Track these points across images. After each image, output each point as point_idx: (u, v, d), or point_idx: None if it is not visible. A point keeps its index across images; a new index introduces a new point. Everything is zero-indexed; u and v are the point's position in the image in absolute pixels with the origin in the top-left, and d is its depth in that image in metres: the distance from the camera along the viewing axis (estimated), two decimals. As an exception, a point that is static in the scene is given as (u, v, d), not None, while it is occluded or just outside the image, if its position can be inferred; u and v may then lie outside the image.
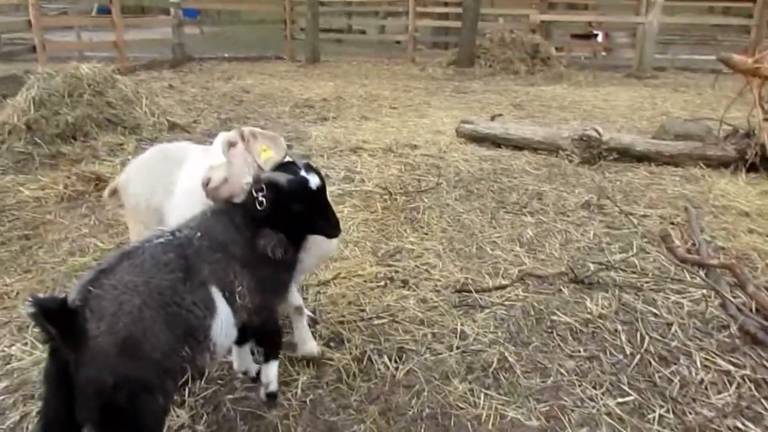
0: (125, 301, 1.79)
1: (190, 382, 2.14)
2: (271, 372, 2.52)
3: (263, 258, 2.24)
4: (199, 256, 2.08)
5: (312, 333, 2.99)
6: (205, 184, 2.32)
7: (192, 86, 10.05)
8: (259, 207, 2.19)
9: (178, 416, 2.46)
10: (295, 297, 2.70)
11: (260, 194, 2.20)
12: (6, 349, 2.83)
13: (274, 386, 2.53)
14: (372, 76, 12.15)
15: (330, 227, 2.37)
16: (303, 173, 2.24)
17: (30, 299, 1.62)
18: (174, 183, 2.69)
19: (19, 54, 10.54)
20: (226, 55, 14.96)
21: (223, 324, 2.08)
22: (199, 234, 2.15)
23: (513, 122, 7.30)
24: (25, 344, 2.86)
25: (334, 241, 2.72)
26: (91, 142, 5.93)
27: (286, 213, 2.23)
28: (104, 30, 13.51)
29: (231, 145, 2.38)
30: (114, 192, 2.91)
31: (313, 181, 2.23)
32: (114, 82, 6.54)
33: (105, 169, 5.20)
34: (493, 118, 7.39)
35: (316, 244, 2.51)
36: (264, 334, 2.47)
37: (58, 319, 1.66)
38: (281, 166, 2.31)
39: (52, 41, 11.19)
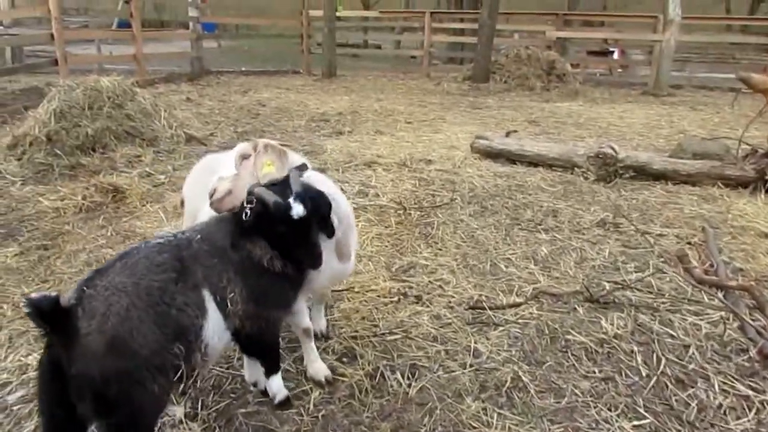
0: (114, 302, 1.88)
1: (183, 380, 2.17)
2: (274, 385, 2.55)
3: (260, 267, 2.27)
4: (196, 259, 2.16)
5: (325, 348, 3.00)
6: (210, 195, 2.36)
7: (209, 99, 10.19)
8: (244, 217, 2.24)
9: (190, 429, 2.47)
10: (304, 319, 2.68)
11: (248, 206, 2.24)
12: (22, 358, 2.86)
13: (281, 396, 2.56)
14: (387, 91, 12.23)
15: (307, 258, 2.34)
16: (290, 200, 2.24)
17: (25, 299, 1.74)
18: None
19: (41, 66, 10.72)
20: (243, 68, 15.19)
21: (215, 327, 2.15)
22: (199, 237, 2.24)
23: (528, 138, 7.30)
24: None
25: (350, 263, 2.70)
26: (110, 154, 6.03)
27: (270, 231, 2.26)
28: (124, 43, 13.78)
29: (244, 157, 2.41)
30: (183, 202, 3.11)
31: (296, 210, 2.22)
32: (133, 95, 6.65)
33: (123, 181, 5.27)
34: (508, 134, 7.39)
35: (327, 264, 2.49)
36: (260, 345, 2.45)
37: (50, 317, 1.76)
38: (278, 184, 2.32)
39: (74, 54, 11.41)
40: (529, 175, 5.95)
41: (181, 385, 2.56)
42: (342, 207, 2.59)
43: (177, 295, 2.02)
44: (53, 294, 1.78)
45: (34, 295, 1.75)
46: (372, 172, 5.85)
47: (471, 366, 2.88)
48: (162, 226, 4.47)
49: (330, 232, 2.40)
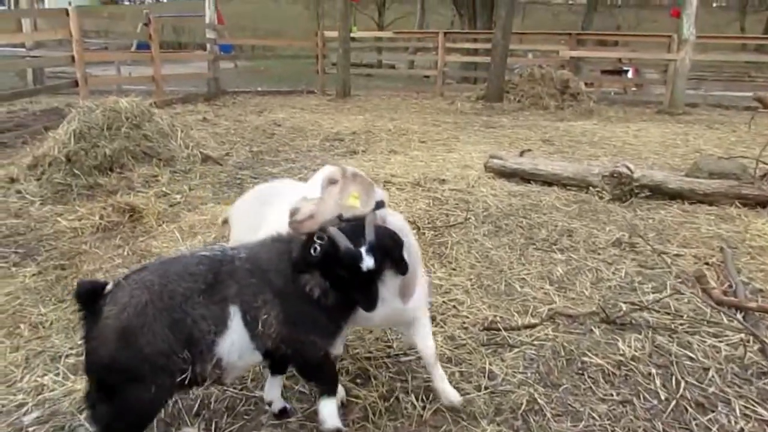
0: (136, 296, 2.03)
1: (191, 387, 2.26)
2: (324, 410, 2.41)
3: (304, 295, 2.24)
4: (232, 275, 2.20)
5: (338, 369, 2.97)
6: (292, 213, 2.30)
7: (225, 119, 10.32)
8: (312, 252, 2.19)
9: (204, 451, 2.47)
10: (338, 347, 2.63)
11: (318, 242, 2.20)
12: (39, 378, 2.87)
13: (328, 426, 2.39)
14: (401, 110, 12.30)
15: (364, 302, 2.28)
16: (363, 249, 2.19)
17: (77, 282, 2.12)
18: (261, 223, 2.73)
19: (62, 88, 10.96)
20: (259, 88, 15.37)
21: (235, 344, 2.17)
22: (244, 255, 2.26)
23: (542, 157, 7.28)
24: (57, 374, 2.90)
25: (412, 302, 2.54)
26: (127, 174, 6.11)
27: (332, 271, 2.23)
28: (143, 64, 14.04)
29: (331, 182, 2.34)
30: (226, 221, 3.12)
31: (366, 263, 2.18)
32: (151, 116, 6.76)
33: (139, 201, 5.33)
34: (522, 154, 7.38)
35: (387, 303, 2.40)
36: (302, 367, 2.45)
37: (86, 299, 2.04)
38: (353, 225, 2.27)
39: (94, 75, 11.65)
40: (543, 194, 5.93)
41: (189, 391, 2.58)
42: (411, 245, 2.50)
43: (197, 306, 2.09)
44: (102, 281, 2.09)
45: (87, 280, 2.09)
46: (386, 192, 5.85)
47: (486, 388, 2.85)
48: (177, 246, 4.51)
49: (403, 269, 2.34)
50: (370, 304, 2.27)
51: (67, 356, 3.05)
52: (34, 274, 4.05)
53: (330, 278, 2.25)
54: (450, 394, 2.64)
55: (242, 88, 15.12)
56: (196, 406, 2.70)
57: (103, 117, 6.29)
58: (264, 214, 2.80)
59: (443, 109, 12.75)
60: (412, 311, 2.59)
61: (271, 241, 2.38)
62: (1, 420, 2.58)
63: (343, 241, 2.19)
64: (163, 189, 5.83)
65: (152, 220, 5.03)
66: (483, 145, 8.38)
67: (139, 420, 2.11)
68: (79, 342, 2.26)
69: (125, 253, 4.41)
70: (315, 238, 2.22)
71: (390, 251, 2.27)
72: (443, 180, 6.35)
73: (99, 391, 2.05)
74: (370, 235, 2.23)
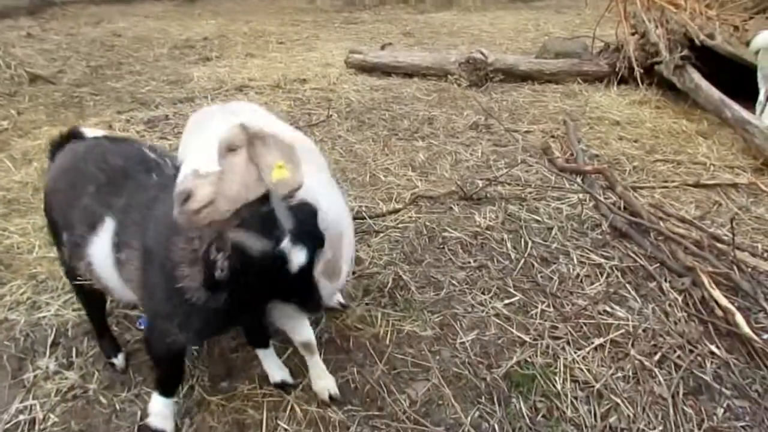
0: (64, 160, 2.13)
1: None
2: (151, 405, 2.09)
3: (170, 279, 1.73)
4: (137, 188, 1.91)
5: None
6: (183, 200, 1.49)
7: (55, 33, 9.08)
8: (219, 272, 1.58)
9: (67, 378, 2.34)
10: (302, 330, 2.17)
11: (219, 255, 1.58)
12: None
13: (150, 420, 2.07)
14: (258, 13, 11.52)
15: (308, 305, 1.81)
16: (286, 244, 1.58)
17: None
18: (187, 149, 2.29)
19: None
20: (92, -3, 13.53)
21: (100, 257, 1.92)
22: (169, 180, 1.65)
23: (403, 50, 7.25)
24: None
25: (341, 280, 2.10)
26: (-69, 105, 5.22)
27: (254, 284, 1.66)
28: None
29: (231, 149, 1.57)
30: None
31: (297, 259, 1.60)
32: (-50, 32, 5.74)
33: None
34: (383, 48, 7.29)
35: None
36: (146, 343, 2.09)
37: (53, 148, 2.24)
38: (257, 214, 1.58)
39: None
40: (404, 86, 5.96)
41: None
42: (331, 211, 1.88)
43: (86, 196, 1.97)
44: (75, 130, 2.25)
45: (76, 128, 2.26)
46: (244, 96, 5.58)
47: (354, 273, 2.93)
48: (10, 176, 4.03)
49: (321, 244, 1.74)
50: (316, 305, 1.81)
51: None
52: None
53: (254, 291, 1.72)
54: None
55: (73, -2, 13.24)
56: (53, 335, 2.54)
57: None
58: (190, 142, 2.31)
59: (302, 8, 12.12)
60: (338, 294, 2.32)
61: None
62: None
63: (255, 245, 1.56)
64: (-19, 119, 5.08)
65: (-26, 151, 4.40)
66: (344, 42, 8.15)
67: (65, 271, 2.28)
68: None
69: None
70: (213, 249, 1.60)
71: (315, 235, 1.70)
72: (304, 80, 6.16)
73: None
74: (286, 220, 1.61)
